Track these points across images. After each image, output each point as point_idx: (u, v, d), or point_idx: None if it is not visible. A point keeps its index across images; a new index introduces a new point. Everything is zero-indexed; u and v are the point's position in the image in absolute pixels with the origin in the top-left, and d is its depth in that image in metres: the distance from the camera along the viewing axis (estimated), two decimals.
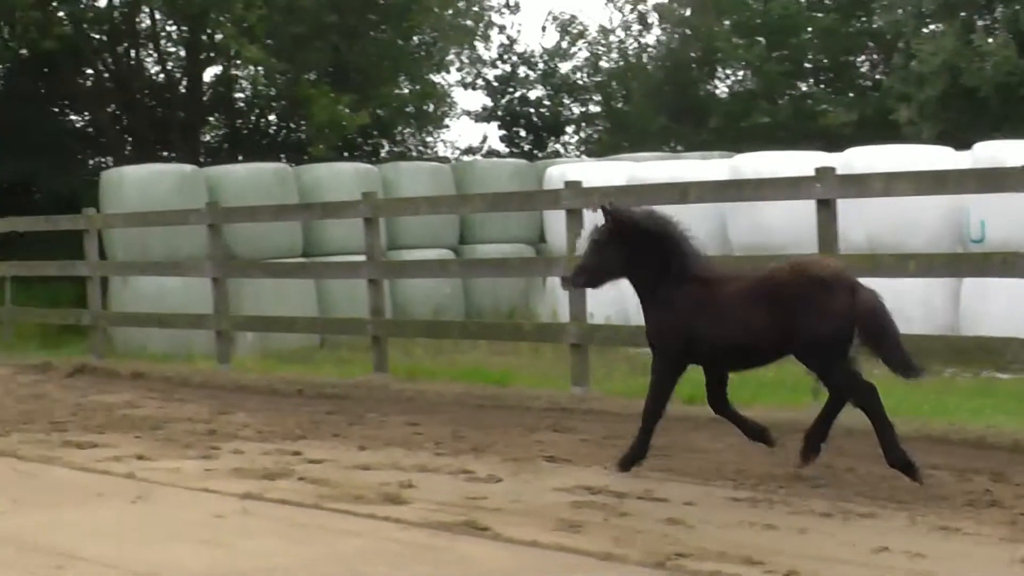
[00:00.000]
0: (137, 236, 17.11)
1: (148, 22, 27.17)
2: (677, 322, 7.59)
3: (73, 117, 29.10)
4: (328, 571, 5.82)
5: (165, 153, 26.90)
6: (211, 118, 29.86)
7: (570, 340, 11.23)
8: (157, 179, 17.63)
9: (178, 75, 28.20)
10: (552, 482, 7.70)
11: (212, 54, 27.13)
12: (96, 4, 25.57)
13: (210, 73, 28.51)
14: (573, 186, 11.40)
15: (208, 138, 30.00)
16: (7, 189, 25.96)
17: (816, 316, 7.13)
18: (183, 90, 27.87)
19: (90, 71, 27.30)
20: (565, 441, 8.96)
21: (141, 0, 25.73)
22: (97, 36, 26.50)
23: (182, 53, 28.21)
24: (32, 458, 9.09)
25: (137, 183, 17.55)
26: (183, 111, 27.56)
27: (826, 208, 9.61)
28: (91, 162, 28.38)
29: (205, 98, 28.49)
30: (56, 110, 28.36)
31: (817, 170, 9.77)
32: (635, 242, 7.66)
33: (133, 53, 27.69)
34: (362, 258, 13.42)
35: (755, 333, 7.32)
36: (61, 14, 24.18)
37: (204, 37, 26.59)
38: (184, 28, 26.89)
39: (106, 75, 27.62)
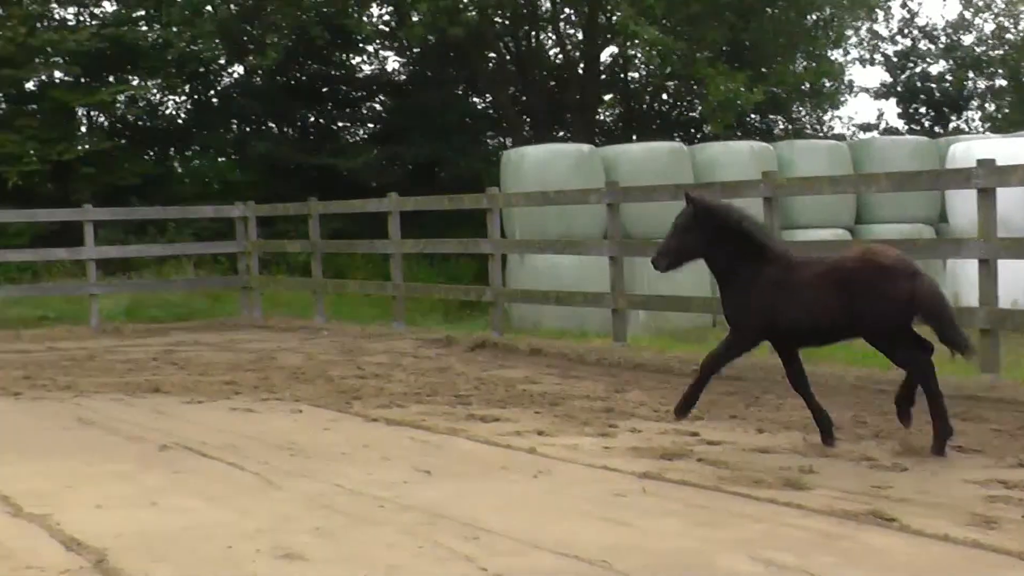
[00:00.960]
0: (534, 215, 17.51)
1: (548, 5, 27.79)
2: (756, 301, 8.30)
3: (475, 100, 30.18)
4: (732, 555, 5.72)
5: (561, 133, 27.48)
6: (606, 98, 30.27)
7: (980, 325, 10.69)
8: (555, 159, 17.99)
9: (575, 56, 28.71)
10: (962, 473, 7.32)
11: (609, 35, 27.46)
12: None
13: (606, 53, 28.90)
14: (986, 164, 10.79)
15: (603, 117, 30.42)
16: (414, 170, 27.23)
17: (880, 300, 7.87)
18: (580, 71, 28.35)
19: (492, 55, 28.19)
20: (974, 430, 8.51)
21: None
22: (500, 20, 27.31)
23: (579, 35, 28.71)
24: (439, 430, 9.41)
25: (537, 163, 17.96)
26: (579, 91, 28.04)
27: None
28: (491, 143, 29.35)
29: (601, 78, 28.88)
30: (459, 93, 29.48)
31: None
32: (714, 227, 8.42)
33: (533, 36, 28.41)
34: None
35: (825, 314, 8.03)
36: (467, 1, 25.05)
37: (602, 18, 26.94)
38: (583, 9, 27.32)
39: (507, 58, 28.46)
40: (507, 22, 27.63)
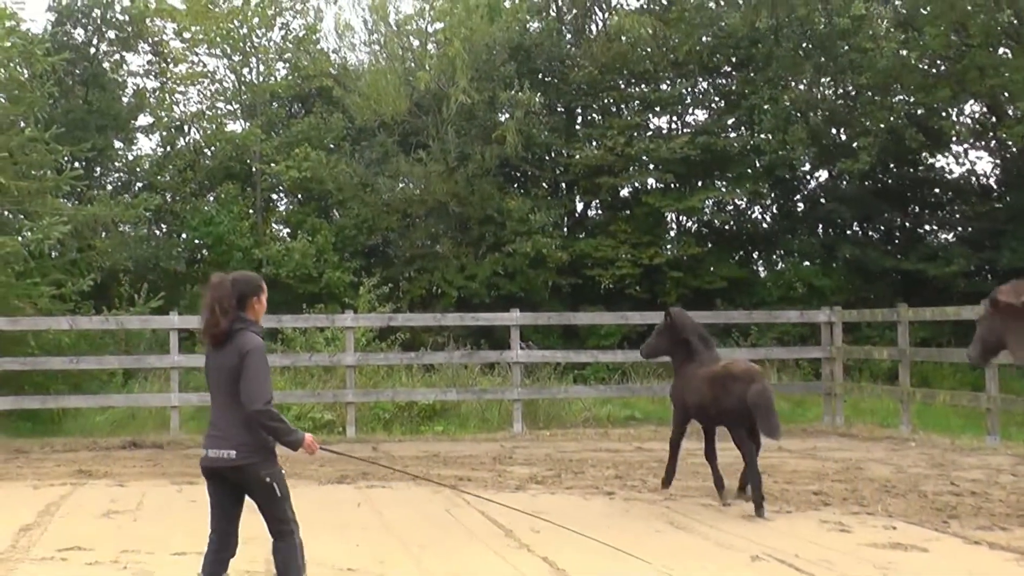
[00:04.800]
0: None
1: None
2: (678, 389, 12.56)
3: None
4: None
5: None
6: None
7: None
8: None
9: None
10: None
11: None
12: None
13: None
14: None
15: None
16: (1006, 275, 25.92)
17: (725, 395, 11.57)
18: None
19: None
20: None
21: None
22: None
23: None
24: None
25: None
26: None
27: None
28: None
29: None
30: None
31: None
32: (674, 335, 12.56)
33: None
34: None
35: (707, 401, 11.83)
36: None
37: None
38: None
39: None
40: None
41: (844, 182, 27.49)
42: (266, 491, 6.85)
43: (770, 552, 9.02)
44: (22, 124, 21.99)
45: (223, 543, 7.05)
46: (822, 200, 27.90)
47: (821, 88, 27.25)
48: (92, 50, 29.11)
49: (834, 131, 27.27)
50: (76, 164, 25.10)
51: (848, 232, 27.97)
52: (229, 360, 6.81)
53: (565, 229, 28.22)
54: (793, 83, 27.08)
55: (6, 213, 22.71)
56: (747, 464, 11.36)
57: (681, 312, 12.89)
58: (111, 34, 29.52)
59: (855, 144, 25.55)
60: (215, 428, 6.91)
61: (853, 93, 26.82)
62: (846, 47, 25.61)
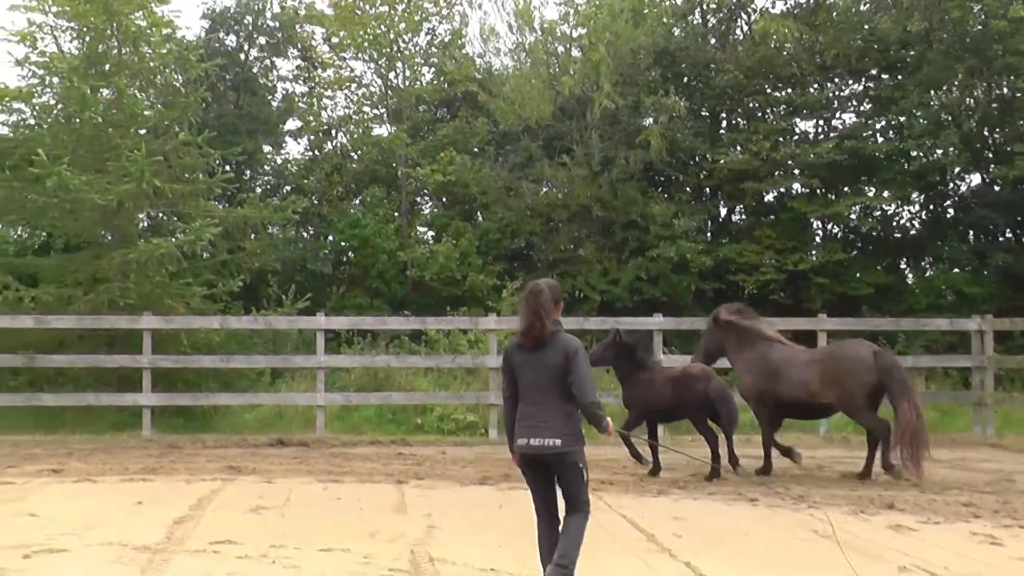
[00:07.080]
0: None
1: None
2: (640, 394, 14.43)
3: None
4: None
5: None
6: None
7: None
8: None
9: None
10: None
11: None
12: None
13: None
14: None
15: None
16: None
17: (689, 394, 14.10)
18: None
19: None
20: None
21: None
22: None
23: None
24: None
25: None
26: None
27: None
28: None
29: None
30: None
31: None
32: (621, 351, 14.64)
33: None
34: None
35: (668, 402, 14.23)
36: None
37: None
38: None
39: None
40: None
41: (997, 187, 26.80)
42: (577, 475, 7.61)
43: (918, 564, 8.84)
44: (176, 128, 22.56)
45: (553, 518, 7.80)
46: (973, 206, 27.21)
47: (975, 92, 26.60)
48: (243, 56, 29.82)
49: (987, 135, 26.61)
50: (227, 167, 25.64)
51: (1000, 239, 27.26)
52: (553, 359, 7.53)
53: (709, 234, 28.03)
54: (945, 87, 26.49)
55: (161, 215, 23.38)
56: (727, 441, 14.29)
57: (626, 332, 15.05)
58: (262, 40, 30.20)
59: (1009, 149, 24.89)
60: (532, 419, 7.58)
61: (1009, 97, 26.14)
62: (1001, 50, 24.96)
